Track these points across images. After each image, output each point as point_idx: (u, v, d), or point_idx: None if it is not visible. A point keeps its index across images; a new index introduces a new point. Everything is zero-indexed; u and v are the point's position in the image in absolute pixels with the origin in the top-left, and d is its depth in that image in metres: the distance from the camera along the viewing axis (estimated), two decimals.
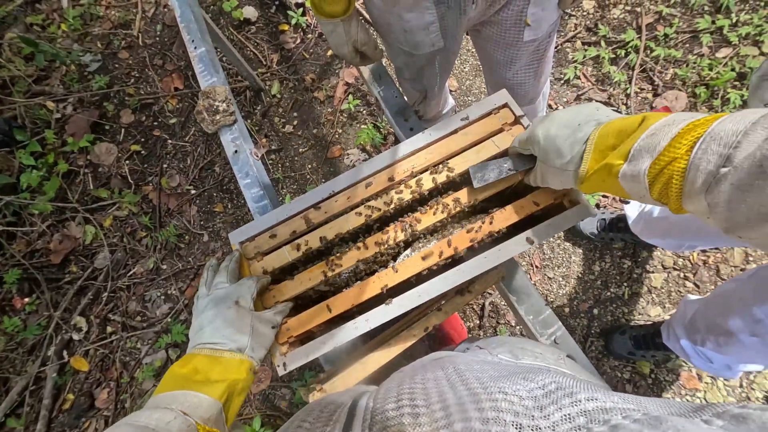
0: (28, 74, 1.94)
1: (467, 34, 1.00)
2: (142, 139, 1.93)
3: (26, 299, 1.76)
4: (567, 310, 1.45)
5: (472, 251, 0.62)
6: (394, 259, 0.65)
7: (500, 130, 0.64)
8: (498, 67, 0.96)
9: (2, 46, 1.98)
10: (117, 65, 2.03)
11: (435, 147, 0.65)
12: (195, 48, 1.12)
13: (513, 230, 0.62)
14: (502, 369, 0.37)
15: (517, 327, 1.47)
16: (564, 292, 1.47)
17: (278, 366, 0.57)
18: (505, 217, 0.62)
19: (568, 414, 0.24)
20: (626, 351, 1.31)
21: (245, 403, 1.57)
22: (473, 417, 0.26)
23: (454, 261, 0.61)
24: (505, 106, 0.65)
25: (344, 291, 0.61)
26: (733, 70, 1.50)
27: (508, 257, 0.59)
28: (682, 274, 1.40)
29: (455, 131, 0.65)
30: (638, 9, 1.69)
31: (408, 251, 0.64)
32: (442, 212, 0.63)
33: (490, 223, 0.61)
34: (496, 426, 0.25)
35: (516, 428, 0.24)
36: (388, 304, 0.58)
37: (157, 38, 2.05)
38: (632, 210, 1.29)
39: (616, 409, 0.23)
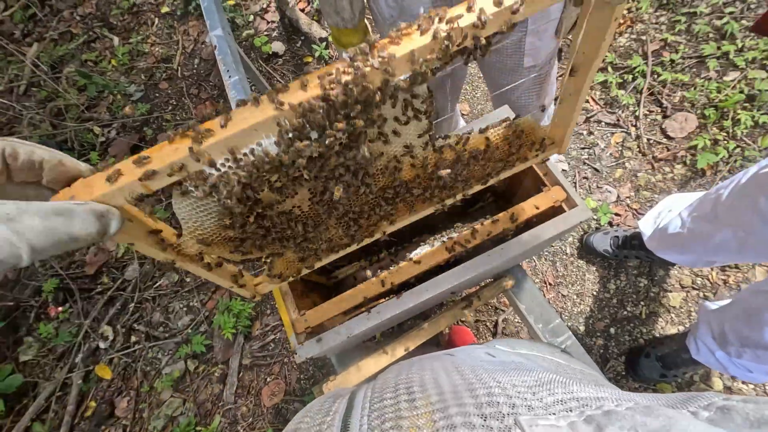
0: (81, 102, 2.16)
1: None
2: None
3: (60, 308, 1.88)
4: (582, 329, 1.43)
5: (474, 252, 0.66)
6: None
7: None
8: (503, 91, 1.03)
9: (60, 79, 2.22)
10: (157, 95, 2.24)
11: None
12: (229, 77, 1.25)
13: (517, 233, 0.67)
14: (498, 364, 0.38)
15: None
16: (579, 310, 1.46)
17: (295, 354, 0.61)
18: (507, 218, 0.67)
19: (561, 399, 0.25)
20: (658, 374, 1.27)
21: (258, 417, 1.58)
22: (468, 403, 0.27)
23: (457, 261, 0.65)
24: (507, 119, 0.71)
25: (357, 286, 0.66)
26: (741, 92, 1.53)
27: (512, 256, 0.63)
28: (701, 294, 1.37)
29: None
30: (643, 37, 1.77)
31: (419, 249, 0.69)
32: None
33: (493, 223, 0.66)
34: (489, 408, 0.25)
35: (509, 407, 0.25)
36: (398, 298, 0.63)
37: (194, 70, 2.26)
38: (647, 226, 1.29)
39: (608, 398, 0.24)
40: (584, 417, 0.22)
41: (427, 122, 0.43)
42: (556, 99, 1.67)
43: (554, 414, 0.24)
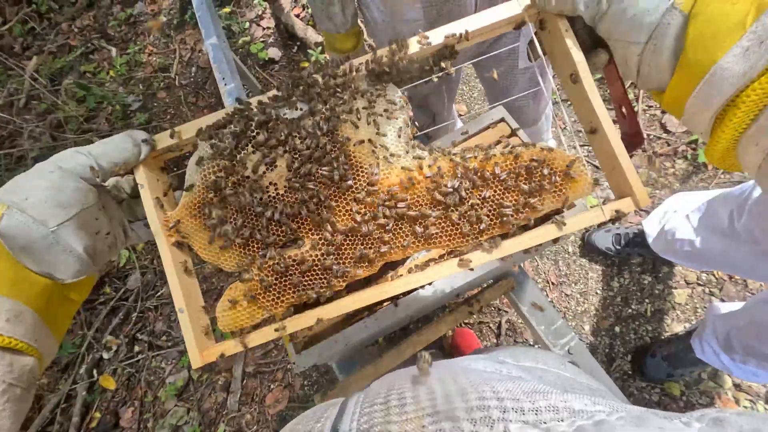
0: (80, 114, 2.18)
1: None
2: (174, 169, 2.10)
3: None
4: (587, 327, 1.42)
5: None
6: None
7: (498, 142, 0.69)
8: (498, 93, 1.03)
9: (60, 91, 2.24)
10: (155, 104, 2.25)
11: None
12: (225, 84, 1.25)
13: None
14: (496, 373, 0.37)
15: (535, 346, 1.43)
16: (583, 309, 1.44)
17: (292, 362, 0.61)
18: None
19: (554, 406, 0.25)
20: (664, 374, 1.26)
21: (263, 425, 1.57)
22: (458, 407, 0.27)
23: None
24: (502, 120, 0.70)
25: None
26: None
27: (508, 253, 0.62)
28: (707, 290, 1.35)
29: (455, 144, 0.71)
30: None
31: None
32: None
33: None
34: (479, 413, 0.25)
35: (500, 411, 0.25)
36: (396, 306, 0.62)
37: (192, 79, 2.27)
38: (651, 227, 1.27)
39: (602, 411, 0.24)
40: (575, 427, 0.22)
41: (402, 120, 0.48)
42: (556, 102, 1.65)
43: (545, 423, 0.24)
